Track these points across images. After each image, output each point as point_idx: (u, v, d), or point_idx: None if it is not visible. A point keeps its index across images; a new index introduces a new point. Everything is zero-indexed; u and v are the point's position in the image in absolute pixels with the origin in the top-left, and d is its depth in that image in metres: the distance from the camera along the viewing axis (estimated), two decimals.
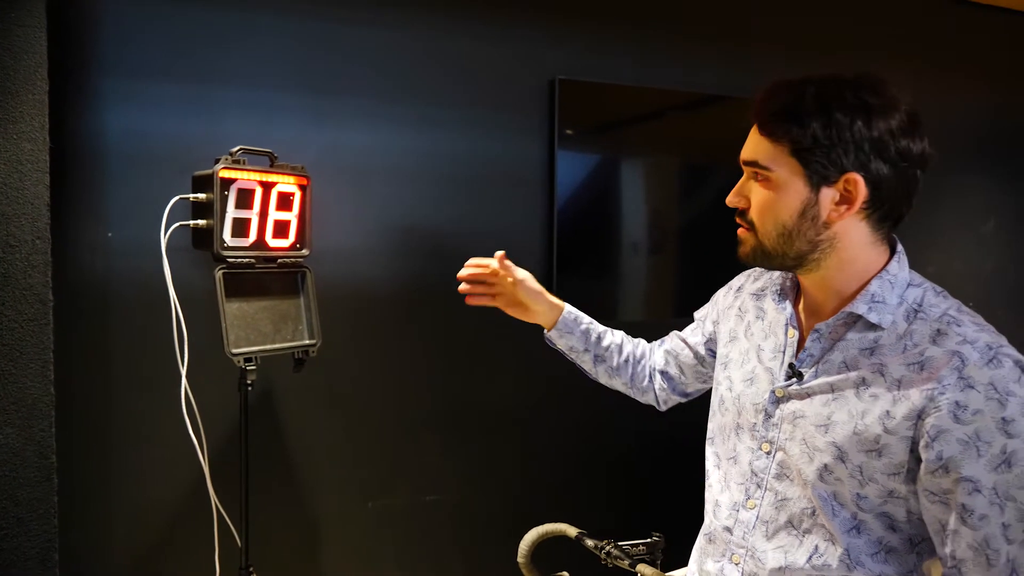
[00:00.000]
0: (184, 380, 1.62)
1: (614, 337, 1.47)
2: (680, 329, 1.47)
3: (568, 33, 2.29)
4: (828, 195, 1.00)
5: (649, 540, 1.29)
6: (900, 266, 1.04)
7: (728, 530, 1.12)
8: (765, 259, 1.07)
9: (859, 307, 1.01)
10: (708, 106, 2.50)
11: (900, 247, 1.06)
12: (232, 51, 1.89)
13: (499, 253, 1.40)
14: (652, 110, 2.44)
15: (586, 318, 1.46)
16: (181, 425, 1.62)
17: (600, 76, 2.31)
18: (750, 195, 1.06)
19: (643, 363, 1.47)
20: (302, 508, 2.04)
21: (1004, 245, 3.18)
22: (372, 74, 2.05)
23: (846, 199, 1.00)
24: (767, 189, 1.03)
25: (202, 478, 1.68)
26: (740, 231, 1.09)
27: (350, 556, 2.11)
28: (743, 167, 1.07)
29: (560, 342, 1.45)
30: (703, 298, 1.45)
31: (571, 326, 1.43)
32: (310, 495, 2.05)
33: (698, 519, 1.27)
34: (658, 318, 2.47)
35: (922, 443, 0.94)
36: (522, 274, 1.42)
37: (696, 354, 1.40)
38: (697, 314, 1.44)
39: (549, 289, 1.47)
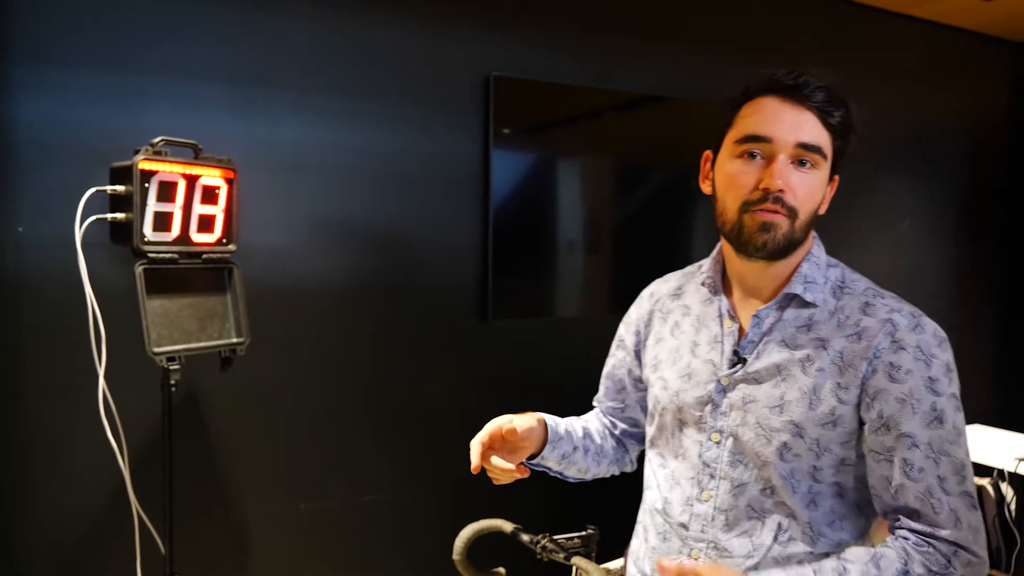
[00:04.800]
0: (102, 381, 1.56)
1: (587, 424, 1.32)
2: (611, 334, 1.35)
3: (504, 29, 2.29)
4: (828, 185, 1.09)
5: (584, 533, 1.29)
6: (820, 249, 1.13)
7: (684, 526, 1.12)
8: (789, 248, 1.06)
9: (796, 287, 1.08)
10: (645, 106, 2.54)
11: (814, 232, 1.13)
12: (155, 38, 1.81)
13: (507, 427, 1.14)
14: (589, 109, 2.46)
15: (558, 419, 1.27)
16: (99, 429, 1.56)
17: (537, 73, 2.31)
18: (790, 179, 1.03)
19: (612, 438, 1.35)
20: (231, 512, 1.98)
21: (917, 243, 3.35)
22: (303, 67, 2.00)
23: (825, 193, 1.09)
24: (816, 175, 1.05)
25: (122, 484, 1.61)
26: (774, 217, 1.03)
27: (282, 561, 2.05)
28: (792, 150, 1.03)
29: (552, 455, 1.23)
30: (638, 294, 1.34)
31: (559, 433, 1.24)
32: (239, 499, 1.99)
33: (631, 511, 1.28)
34: (594, 315, 2.49)
35: (863, 405, 1.02)
36: (525, 423, 1.16)
37: (641, 396, 1.30)
38: (610, 361, 1.34)
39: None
